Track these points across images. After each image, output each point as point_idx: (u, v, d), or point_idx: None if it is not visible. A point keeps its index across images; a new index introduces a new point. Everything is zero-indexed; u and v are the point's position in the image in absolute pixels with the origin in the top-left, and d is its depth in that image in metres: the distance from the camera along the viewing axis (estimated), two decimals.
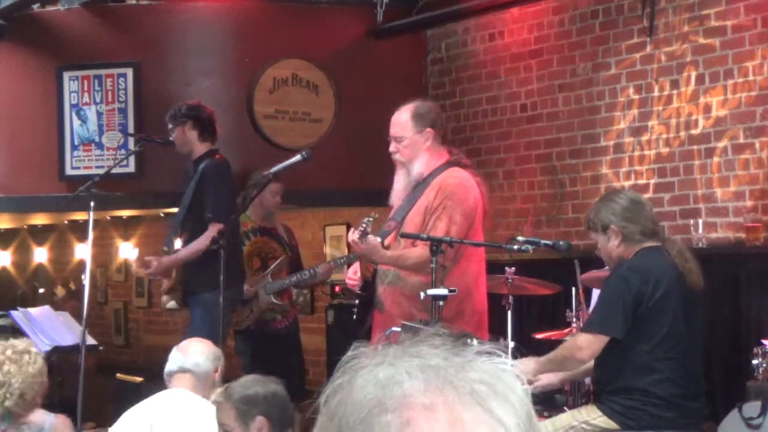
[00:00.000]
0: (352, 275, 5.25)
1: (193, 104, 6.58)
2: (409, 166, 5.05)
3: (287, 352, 7.04)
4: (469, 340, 1.13)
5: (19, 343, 4.47)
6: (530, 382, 4.98)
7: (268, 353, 7.07)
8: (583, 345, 4.52)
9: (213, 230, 5.96)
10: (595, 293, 5.74)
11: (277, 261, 7.11)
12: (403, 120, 5.07)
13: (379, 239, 4.93)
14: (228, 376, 6.55)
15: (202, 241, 6.04)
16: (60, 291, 11.94)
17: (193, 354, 4.40)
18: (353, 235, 4.85)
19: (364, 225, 4.77)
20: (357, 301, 5.38)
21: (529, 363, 4.72)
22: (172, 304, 6.61)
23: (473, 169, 5.26)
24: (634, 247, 4.53)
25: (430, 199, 4.91)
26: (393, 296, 4.99)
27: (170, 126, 6.53)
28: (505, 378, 1.06)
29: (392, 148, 5.09)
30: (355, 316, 5.33)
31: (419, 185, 5.02)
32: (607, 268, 5.44)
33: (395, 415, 1.02)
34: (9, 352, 4.34)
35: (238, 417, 3.72)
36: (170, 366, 4.39)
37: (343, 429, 1.04)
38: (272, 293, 7.05)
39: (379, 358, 1.08)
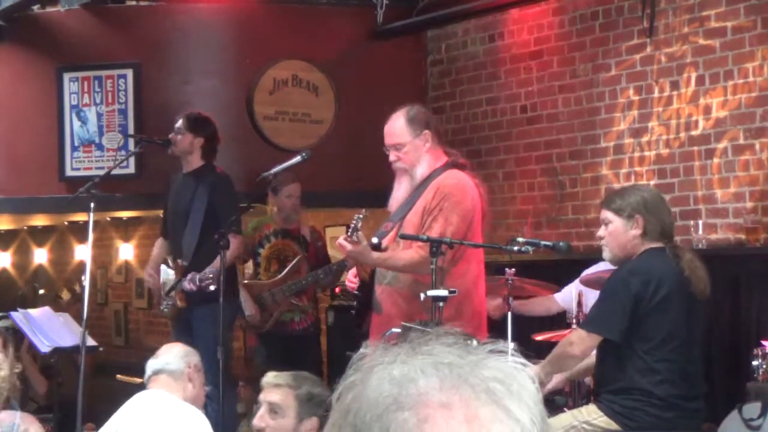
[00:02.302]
0: (352, 277, 5.24)
1: (211, 122, 6.64)
2: (412, 172, 4.99)
3: (303, 353, 7.02)
4: (469, 341, 1.12)
5: None
6: (541, 385, 5.01)
7: (284, 354, 7.08)
8: (576, 341, 4.54)
9: (236, 242, 6.16)
10: (588, 292, 5.75)
11: (292, 263, 7.11)
12: (398, 127, 4.99)
13: (375, 240, 4.93)
14: (245, 377, 6.56)
15: (233, 252, 6.10)
16: (65, 294, 11.95)
17: (163, 355, 4.50)
18: (341, 239, 4.85)
19: (354, 222, 4.76)
20: (355, 303, 5.37)
21: (533, 369, 4.73)
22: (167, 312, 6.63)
23: (472, 169, 5.24)
24: (645, 244, 4.50)
25: (427, 200, 4.89)
26: (391, 297, 4.98)
27: (182, 127, 6.54)
28: (518, 376, 1.07)
29: (392, 157, 5.01)
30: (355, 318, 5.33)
31: (418, 187, 5.00)
32: (598, 267, 5.45)
33: (412, 412, 1.03)
34: None
35: (297, 407, 3.71)
36: (146, 373, 4.49)
37: (358, 426, 1.05)
38: (290, 295, 7.07)
39: (392, 356, 1.08)
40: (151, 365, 4.47)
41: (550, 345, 5.33)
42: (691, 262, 4.50)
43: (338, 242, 4.93)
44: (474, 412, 1.02)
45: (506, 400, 1.04)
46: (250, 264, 7.39)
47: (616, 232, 4.54)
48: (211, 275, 6.06)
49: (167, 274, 6.47)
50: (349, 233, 4.76)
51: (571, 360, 4.68)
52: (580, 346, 4.53)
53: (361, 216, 4.79)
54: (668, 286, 4.43)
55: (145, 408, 4.31)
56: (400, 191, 5.05)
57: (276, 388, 3.78)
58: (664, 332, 4.44)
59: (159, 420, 4.21)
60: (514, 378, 1.06)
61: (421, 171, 4.98)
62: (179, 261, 6.48)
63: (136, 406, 4.34)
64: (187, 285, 6.19)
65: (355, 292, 5.21)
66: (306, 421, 3.71)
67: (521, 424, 1.03)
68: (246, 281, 7.27)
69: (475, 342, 1.11)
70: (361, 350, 1.12)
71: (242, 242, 6.66)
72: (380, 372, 1.07)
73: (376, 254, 4.91)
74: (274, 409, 3.75)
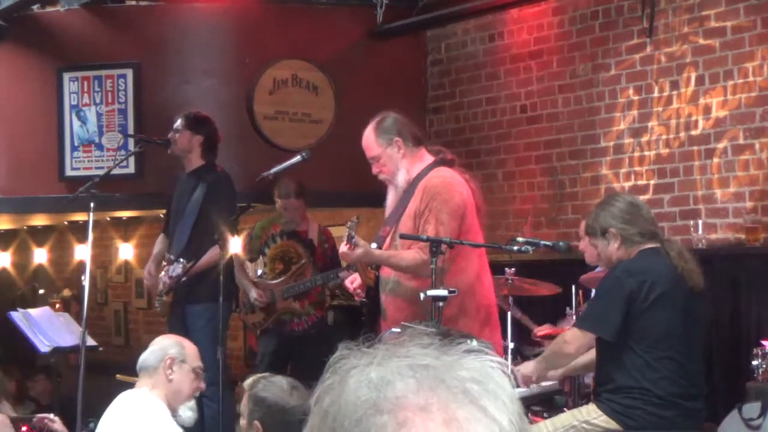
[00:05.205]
0: (349, 283, 5.23)
1: (210, 121, 6.64)
2: (394, 180, 5.04)
3: (303, 353, 7.02)
4: (468, 341, 1.12)
5: None
6: (535, 382, 5.01)
7: (284, 353, 7.10)
8: (570, 340, 4.57)
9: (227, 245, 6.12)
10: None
11: (296, 266, 7.12)
12: (370, 140, 5.05)
13: (374, 245, 4.95)
14: (244, 376, 6.56)
15: (216, 254, 6.10)
16: (66, 292, 11.96)
17: (144, 352, 4.43)
18: (343, 247, 4.86)
19: (347, 229, 4.79)
20: (364, 311, 5.36)
21: (528, 366, 4.77)
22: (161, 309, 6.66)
23: (461, 164, 5.23)
24: (634, 248, 4.55)
25: (416, 203, 4.91)
26: (394, 303, 4.99)
27: (180, 126, 6.54)
28: (494, 376, 1.06)
29: (375, 169, 5.09)
30: (364, 324, 5.32)
31: (408, 189, 5.01)
32: (599, 269, 5.46)
33: (390, 416, 1.02)
34: None
35: (247, 410, 3.75)
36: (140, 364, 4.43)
37: (337, 430, 1.04)
38: (289, 297, 7.07)
39: (368, 358, 1.08)
40: (138, 363, 4.42)
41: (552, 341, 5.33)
42: (679, 257, 4.52)
43: (341, 252, 4.97)
44: (452, 414, 1.02)
45: (483, 399, 1.03)
46: (259, 261, 7.39)
47: (601, 251, 4.65)
48: (180, 269, 6.18)
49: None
50: (346, 242, 4.78)
51: (565, 358, 4.72)
52: (574, 344, 4.57)
53: (354, 222, 4.81)
54: (663, 284, 4.45)
55: (120, 410, 4.29)
56: (390, 199, 5.10)
57: (242, 392, 3.86)
58: (661, 330, 4.45)
59: (125, 423, 4.20)
60: (490, 377, 1.06)
61: (402, 177, 5.01)
62: (168, 255, 6.51)
63: (115, 408, 4.32)
64: (165, 278, 6.32)
65: (363, 299, 5.22)
66: (254, 422, 3.75)
67: (499, 424, 1.03)
68: (253, 280, 7.28)
69: (474, 342, 1.10)
70: (338, 353, 1.11)
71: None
72: (357, 375, 1.06)
73: (378, 252, 4.93)
74: (241, 413, 3.84)
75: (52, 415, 5.49)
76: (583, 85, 7.28)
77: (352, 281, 5.20)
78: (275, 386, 3.81)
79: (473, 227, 4.98)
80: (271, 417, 3.72)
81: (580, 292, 5.92)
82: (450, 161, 5.12)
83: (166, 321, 6.74)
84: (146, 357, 4.38)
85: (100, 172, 6.73)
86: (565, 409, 5.23)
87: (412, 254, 4.82)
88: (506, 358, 5.41)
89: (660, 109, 6.80)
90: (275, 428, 3.72)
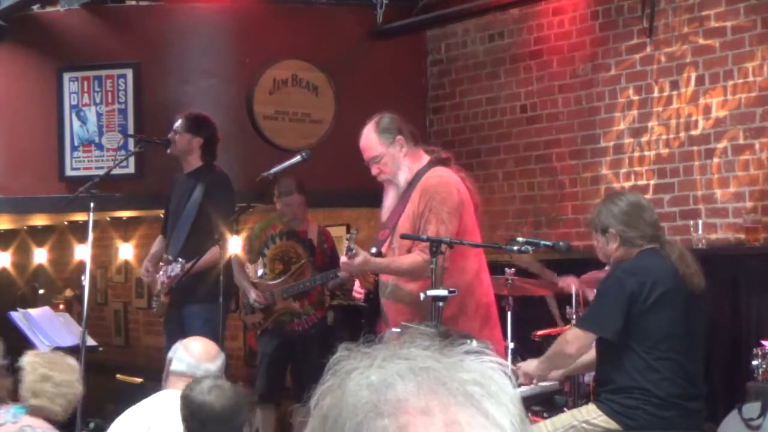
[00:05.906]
0: (359, 288, 5.26)
1: (210, 122, 6.62)
2: (395, 180, 5.04)
3: (304, 353, 7.02)
4: (468, 341, 1.11)
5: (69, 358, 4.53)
6: (535, 383, 5.02)
7: (285, 353, 7.11)
8: (571, 340, 4.58)
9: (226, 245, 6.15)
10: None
11: (296, 266, 7.12)
12: (371, 140, 5.05)
13: (374, 249, 4.96)
14: (244, 376, 6.55)
15: (215, 254, 6.09)
16: (68, 292, 11.97)
17: (204, 359, 4.31)
18: (343, 258, 4.87)
19: (347, 242, 4.80)
20: (365, 313, 5.37)
21: (531, 364, 4.77)
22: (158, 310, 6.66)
23: (462, 166, 5.24)
24: (633, 250, 4.55)
25: (415, 204, 4.91)
26: (394, 307, 5.00)
27: (180, 127, 6.54)
28: (496, 378, 1.06)
29: (374, 171, 5.07)
30: (363, 329, 5.33)
31: (405, 192, 5.01)
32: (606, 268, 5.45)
33: (391, 419, 1.02)
34: (72, 362, 4.41)
35: (180, 411, 3.80)
36: (177, 366, 4.29)
37: None
38: (289, 297, 7.07)
39: (368, 360, 1.07)
40: (189, 364, 4.27)
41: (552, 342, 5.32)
42: (680, 259, 4.52)
43: (341, 263, 5.00)
44: (453, 417, 1.01)
45: (485, 402, 1.03)
46: (259, 262, 7.39)
47: (601, 247, 4.65)
48: (179, 269, 6.18)
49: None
50: (346, 253, 4.79)
51: (567, 358, 4.72)
52: (575, 344, 4.57)
53: (352, 235, 4.83)
54: (664, 285, 4.46)
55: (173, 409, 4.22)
56: (389, 200, 5.09)
57: None
58: (662, 331, 4.45)
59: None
60: (492, 379, 1.05)
61: (404, 176, 5.01)
62: (166, 256, 6.51)
63: (170, 407, 4.23)
64: (164, 278, 6.32)
65: (363, 303, 5.22)
66: (183, 423, 3.80)
67: (501, 427, 1.02)
68: (253, 281, 7.29)
69: (474, 343, 1.10)
70: (338, 354, 1.10)
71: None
72: (357, 377, 1.05)
73: (378, 260, 4.94)
74: None
75: None
76: (583, 85, 7.28)
77: (360, 285, 5.21)
78: (198, 386, 3.82)
79: (471, 226, 4.99)
80: (191, 417, 3.76)
81: (581, 292, 5.92)
82: (445, 160, 5.13)
83: (163, 321, 6.74)
84: (212, 370, 4.26)
85: (100, 172, 6.74)
86: (565, 409, 5.23)
87: (411, 257, 4.83)
88: (506, 358, 5.41)
89: (660, 109, 6.80)
90: (196, 428, 3.75)
